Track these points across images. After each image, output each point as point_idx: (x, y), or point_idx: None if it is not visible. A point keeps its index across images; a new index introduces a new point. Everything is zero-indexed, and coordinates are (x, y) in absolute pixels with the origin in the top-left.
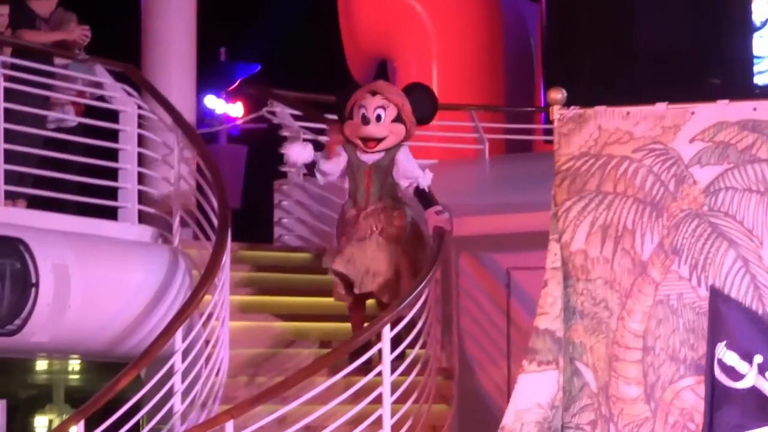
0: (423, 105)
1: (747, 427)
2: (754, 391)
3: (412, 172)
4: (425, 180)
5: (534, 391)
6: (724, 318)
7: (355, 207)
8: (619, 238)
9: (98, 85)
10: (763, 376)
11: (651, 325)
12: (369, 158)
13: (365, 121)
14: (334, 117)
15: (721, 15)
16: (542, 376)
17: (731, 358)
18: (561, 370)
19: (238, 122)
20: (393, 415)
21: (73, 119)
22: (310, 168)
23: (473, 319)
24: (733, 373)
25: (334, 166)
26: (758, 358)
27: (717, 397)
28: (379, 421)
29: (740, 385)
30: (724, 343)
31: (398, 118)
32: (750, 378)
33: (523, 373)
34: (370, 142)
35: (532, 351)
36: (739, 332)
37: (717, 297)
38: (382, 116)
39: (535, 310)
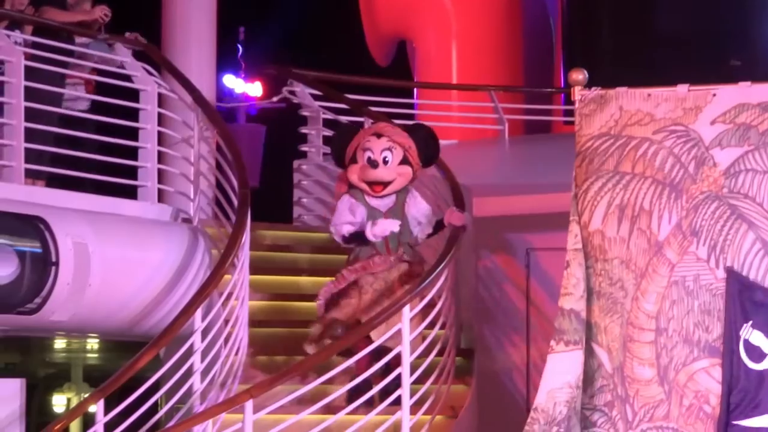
0: (426, 146)
1: None
2: None
3: (425, 213)
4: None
5: (564, 370)
6: (749, 299)
7: (377, 253)
8: (635, 218)
9: (119, 64)
10: None
11: (664, 306)
12: (381, 204)
13: (373, 164)
14: (355, 97)
15: None
16: (570, 356)
17: (758, 337)
18: (585, 350)
19: (257, 102)
20: (412, 395)
21: (86, 96)
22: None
23: (493, 299)
24: (758, 354)
25: (354, 218)
26: None
27: (739, 378)
28: (398, 402)
29: (762, 366)
30: (750, 323)
31: (405, 160)
32: None
33: (552, 353)
34: (377, 186)
35: (559, 331)
36: (766, 313)
37: (736, 278)
38: (389, 159)
39: (554, 291)
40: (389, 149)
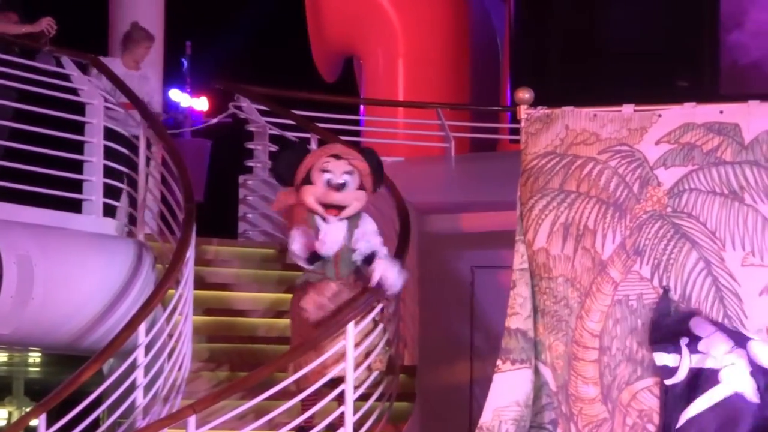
0: (376, 171)
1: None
2: (697, 373)
3: (372, 235)
4: (379, 246)
5: (510, 389)
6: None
7: (324, 279)
8: (580, 236)
9: (65, 76)
10: (697, 351)
11: (608, 325)
12: None
13: (336, 187)
14: (302, 113)
15: (690, 17)
16: (517, 375)
17: (660, 358)
18: (533, 369)
19: (211, 122)
20: (355, 412)
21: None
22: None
23: (437, 316)
24: (667, 371)
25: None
26: (684, 341)
27: (668, 398)
28: (341, 418)
29: (677, 378)
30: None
31: (360, 185)
32: (684, 366)
33: (498, 373)
34: (333, 209)
35: (505, 351)
36: (658, 331)
37: (664, 299)
38: (349, 182)
39: (498, 309)
40: (349, 173)
